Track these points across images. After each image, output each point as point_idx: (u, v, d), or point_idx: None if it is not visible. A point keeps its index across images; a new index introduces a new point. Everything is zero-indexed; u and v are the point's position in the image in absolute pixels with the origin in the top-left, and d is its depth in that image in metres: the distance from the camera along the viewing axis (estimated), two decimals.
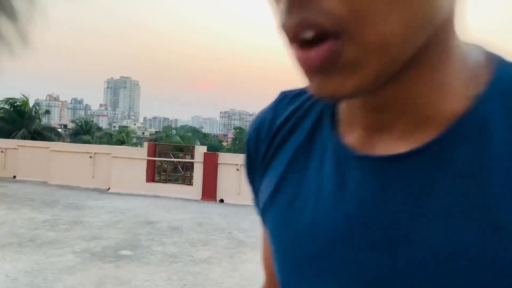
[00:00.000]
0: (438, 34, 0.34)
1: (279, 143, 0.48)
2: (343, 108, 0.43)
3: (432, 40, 0.34)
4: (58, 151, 11.26)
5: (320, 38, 0.31)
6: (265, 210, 0.49)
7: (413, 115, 0.37)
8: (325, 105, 0.46)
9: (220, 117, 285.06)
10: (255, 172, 0.52)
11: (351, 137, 0.41)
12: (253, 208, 0.59)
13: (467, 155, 0.35)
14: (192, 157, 10.56)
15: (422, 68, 0.35)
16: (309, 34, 0.31)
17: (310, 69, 0.33)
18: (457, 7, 0.35)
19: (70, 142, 34.94)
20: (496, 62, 0.38)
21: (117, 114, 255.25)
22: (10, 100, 25.22)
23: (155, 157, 10.56)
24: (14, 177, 11.61)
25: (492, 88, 0.36)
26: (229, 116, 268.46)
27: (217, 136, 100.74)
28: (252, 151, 0.52)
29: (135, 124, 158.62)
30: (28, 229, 6.04)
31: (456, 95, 0.36)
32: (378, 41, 0.30)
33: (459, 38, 0.37)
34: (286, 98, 0.51)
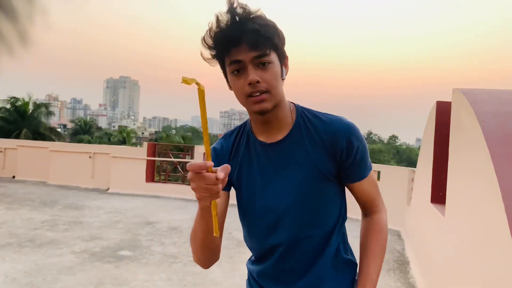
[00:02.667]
0: (282, 96, 1.22)
1: (235, 150, 1.31)
2: (254, 126, 1.28)
3: (281, 98, 1.21)
4: (57, 151, 11.25)
5: (260, 92, 1.16)
6: (234, 181, 1.31)
7: (279, 124, 1.24)
8: (247, 129, 1.32)
9: (220, 116, 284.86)
10: (222, 161, 1.28)
11: (260, 137, 1.27)
12: None
13: (297, 138, 1.24)
14: (192, 157, 10.56)
15: (280, 107, 1.22)
16: (257, 93, 1.15)
17: (257, 102, 1.15)
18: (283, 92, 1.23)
19: (70, 142, 34.91)
20: (296, 105, 1.29)
21: (117, 113, 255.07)
22: (12, 100, 25.15)
23: (154, 157, 10.56)
24: (13, 177, 11.61)
25: (298, 114, 1.27)
26: (229, 115, 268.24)
27: (217, 136, 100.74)
28: (218, 155, 1.31)
29: (134, 124, 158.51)
30: (27, 229, 6.04)
31: (289, 117, 1.26)
32: (274, 94, 1.17)
33: (285, 98, 1.24)
34: (227, 135, 1.35)
